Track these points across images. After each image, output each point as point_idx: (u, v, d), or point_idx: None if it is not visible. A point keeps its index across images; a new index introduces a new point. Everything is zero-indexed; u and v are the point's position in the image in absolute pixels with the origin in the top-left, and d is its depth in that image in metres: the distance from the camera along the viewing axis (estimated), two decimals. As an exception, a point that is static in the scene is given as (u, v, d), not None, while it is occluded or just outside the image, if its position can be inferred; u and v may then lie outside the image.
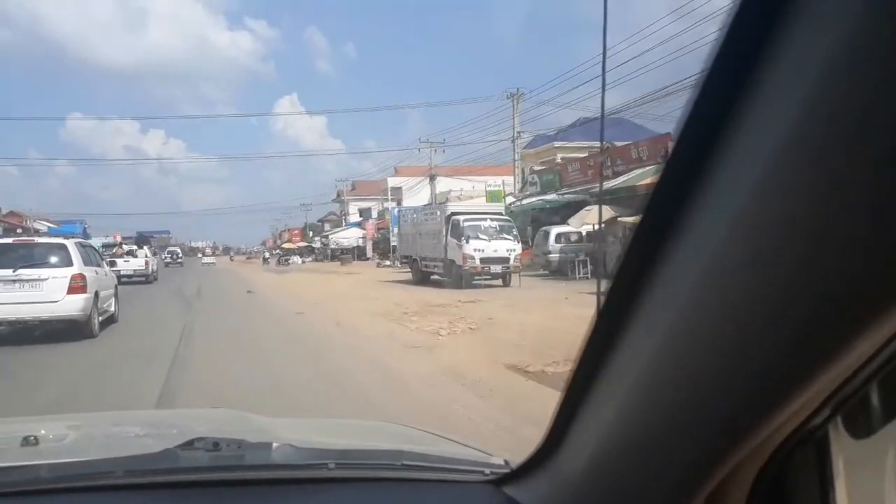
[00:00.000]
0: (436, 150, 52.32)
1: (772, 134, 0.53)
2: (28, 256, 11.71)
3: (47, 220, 72.32)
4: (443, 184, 66.52)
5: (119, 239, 50.29)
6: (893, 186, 0.47)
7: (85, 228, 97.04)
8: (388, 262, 46.82)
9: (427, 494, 1.32)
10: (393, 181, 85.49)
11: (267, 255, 75.02)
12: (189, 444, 1.33)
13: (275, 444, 1.38)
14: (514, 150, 43.66)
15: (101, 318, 12.53)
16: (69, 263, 11.64)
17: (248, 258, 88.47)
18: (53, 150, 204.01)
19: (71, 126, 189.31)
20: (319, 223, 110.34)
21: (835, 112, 0.48)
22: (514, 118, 42.77)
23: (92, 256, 13.25)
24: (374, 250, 66.94)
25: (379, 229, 67.55)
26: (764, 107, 0.54)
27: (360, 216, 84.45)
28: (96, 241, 30.06)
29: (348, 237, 69.85)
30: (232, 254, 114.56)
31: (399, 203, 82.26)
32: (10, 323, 11.47)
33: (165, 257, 63.40)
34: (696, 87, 0.60)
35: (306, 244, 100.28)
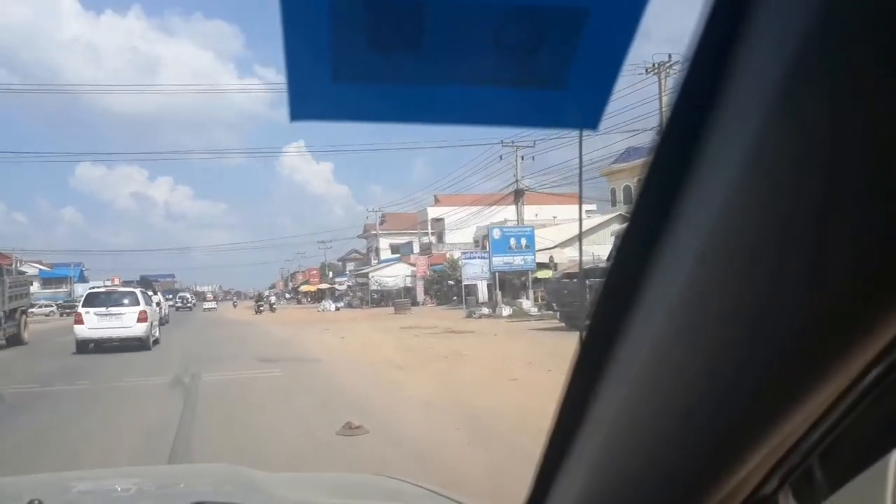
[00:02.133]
0: (522, 158, 38.34)
1: (746, 141, 0.51)
2: (114, 299, 20.08)
3: (39, 263, 70.57)
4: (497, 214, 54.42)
5: (117, 282, 47.03)
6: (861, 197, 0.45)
7: (82, 271, 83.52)
8: (484, 310, 32.45)
9: None
10: (433, 212, 73.19)
11: (272, 299, 61.07)
12: None
13: None
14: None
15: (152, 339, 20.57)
16: (137, 303, 19.85)
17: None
18: (62, 196, 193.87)
19: (80, 173, 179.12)
20: (340, 262, 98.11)
21: (805, 116, 0.47)
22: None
23: (148, 298, 21.85)
24: (426, 292, 52.89)
25: (431, 265, 53.69)
26: (740, 112, 0.52)
27: (392, 252, 71.57)
28: (85, 287, 32.79)
29: (393, 276, 55.71)
30: (235, 299, 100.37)
31: (440, 238, 69.53)
32: (105, 340, 19.16)
33: (176, 302, 64.76)
34: (674, 93, 0.58)
35: (328, 286, 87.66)
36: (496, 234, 36.67)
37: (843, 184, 0.46)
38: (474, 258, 42.61)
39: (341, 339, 22.03)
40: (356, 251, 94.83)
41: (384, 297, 56.60)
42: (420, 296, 52.58)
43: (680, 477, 0.71)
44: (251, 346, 20.16)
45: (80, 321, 19.33)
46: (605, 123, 0.69)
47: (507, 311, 31.75)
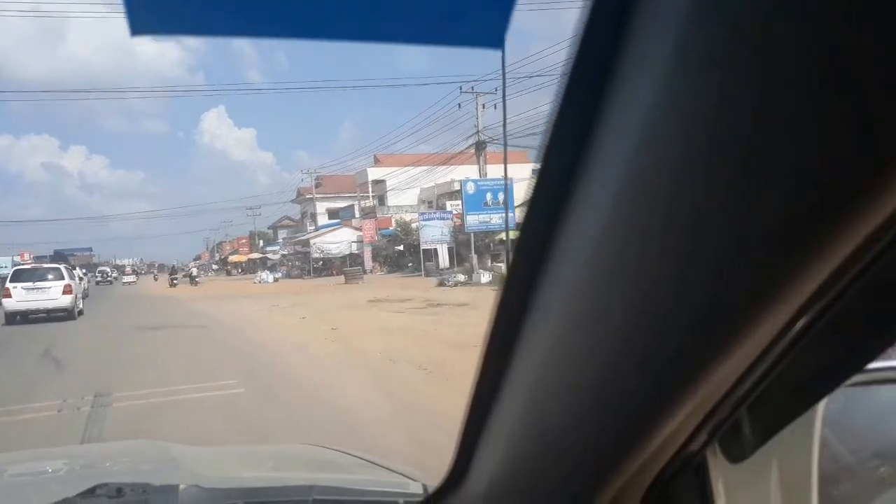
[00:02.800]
0: (483, 106, 33.73)
1: (632, 133, 0.51)
2: (40, 274, 21.59)
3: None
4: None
5: (27, 258, 45.62)
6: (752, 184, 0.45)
7: (-14, 246, 77.25)
8: (459, 277, 27.89)
9: None
10: (374, 173, 68.12)
11: (193, 271, 55.43)
12: (90, 492, 1.32)
13: (181, 487, 1.37)
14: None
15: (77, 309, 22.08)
16: (62, 278, 21.44)
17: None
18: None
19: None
20: (271, 230, 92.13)
21: (689, 109, 0.47)
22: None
23: (72, 273, 23.42)
24: (374, 259, 48.07)
25: (379, 230, 48.87)
26: (625, 105, 0.52)
27: (330, 217, 66.36)
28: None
29: (337, 242, 50.53)
30: (155, 272, 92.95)
31: (381, 201, 64.61)
32: (33, 312, 20.59)
33: (96, 276, 63.39)
34: (559, 87, 0.57)
35: (260, 255, 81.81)
36: (470, 188, 32.35)
37: (722, 181, 0.46)
38: (433, 220, 38.11)
39: (302, 319, 17.38)
40: (288, 218, 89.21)
41: (327, 266, 51.51)
42: (368, 263, 47.75)
43: (601, 440, 0.71)
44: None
45: (8, 295, 20.75)
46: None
47: (486, 277, 27.39)
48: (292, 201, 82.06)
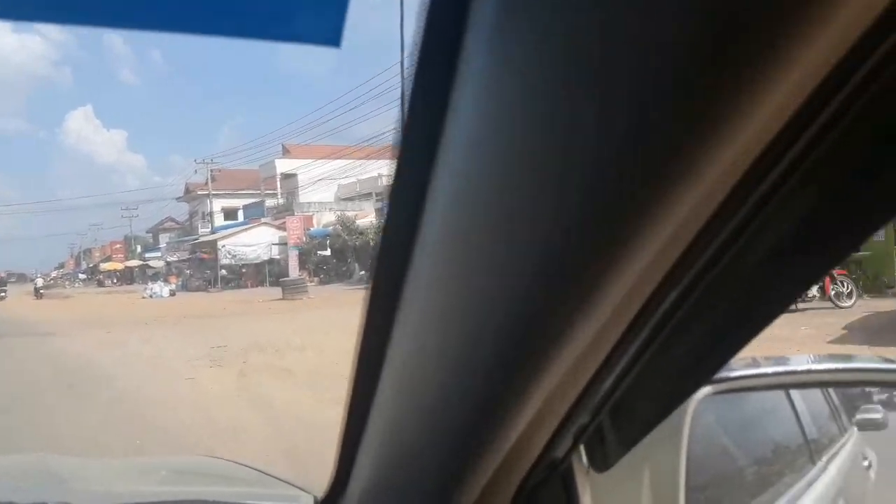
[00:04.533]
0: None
1: (460, 142, 0.52)
2: None
3: None
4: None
5: None
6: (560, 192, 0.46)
7: None
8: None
9: None
10: (283, 165, 57.45)
11: (39, 281, 43.26)
12: None
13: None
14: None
15: None
16: None
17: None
18: None
19: None
20: (150, 234, 79.24)
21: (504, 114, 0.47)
22: None
23: None
24: (302, 266, 37.52)
25: (306, 230, 38.57)
26: (457, 107, 0.51)
27: (226, 218, 55.31)
28: None
29: (253, 244, 39.46)
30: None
31: (289, 198, 54.12)
32: None
33: None
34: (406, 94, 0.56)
35: (140, 263, 68.91)
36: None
37: (533, 186, 0.47)
38: None
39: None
40: (172, 219, 76.63)
41: (235, 275, 40.39)
42: (293, 270, 37.15)
43: (453, 440, 0.72)
44: None
45: None
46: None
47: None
48: (178, 199, 69.62)
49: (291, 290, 25.60)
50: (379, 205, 35.52)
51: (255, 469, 1.88)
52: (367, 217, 35.21)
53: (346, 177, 45.34)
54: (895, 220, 0.47)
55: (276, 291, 31.88)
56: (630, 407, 0.70)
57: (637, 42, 0.39)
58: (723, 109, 0.39)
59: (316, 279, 35.26)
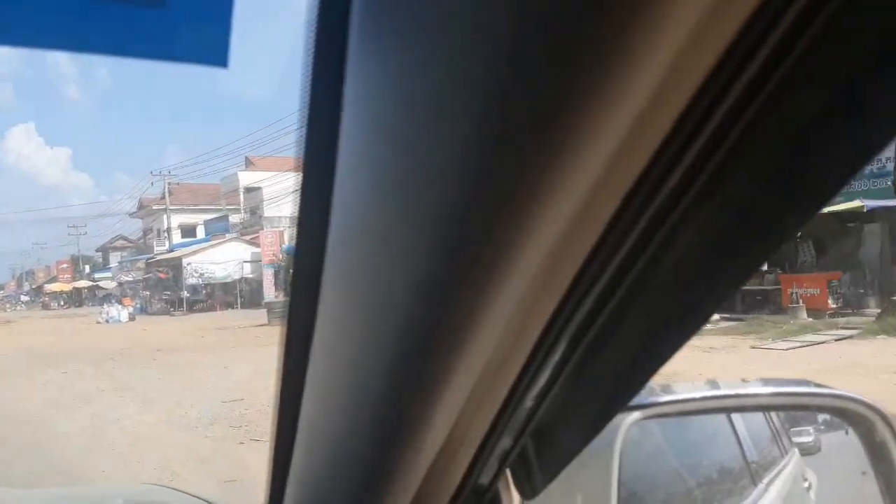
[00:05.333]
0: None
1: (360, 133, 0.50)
2: None
3: None
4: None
5: None
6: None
7: None
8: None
9: None
10: (247, 177, 53.75)
11: None
12: None
13: None
14: None
15: None
16: None
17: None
18: None
19: None
20: (99, 252, 74.59)
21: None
22: None
23: None
24: (279, 287, 33.87)
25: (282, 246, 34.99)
26: (356, 101, 0.50)
27: (183, 235, 51.45)
28: None
29: (222, 262, 35.56)
30: None
31: (252, 213, 50.42)
32: None
33: None
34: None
35: (89, 283, 64.12)
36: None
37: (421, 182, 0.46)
38: None
39: None
40: (123, 238, 71.79)
41: (200, 295, 36.41)
42: (268, 291, 33.41)
43: (367, 477, 0.70)
44: None
45: None
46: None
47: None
48: (132, 215, 65.01)
49: (279, 314, 22.04)
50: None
51: (199, 497, 1.98)
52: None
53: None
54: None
55: (254, 315, 28.14)
56: (551, 431, 0.69)
57: (488, 37, 0.37)
58: (586, 104, 0.37)
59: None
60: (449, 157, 0.43)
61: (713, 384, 1.87)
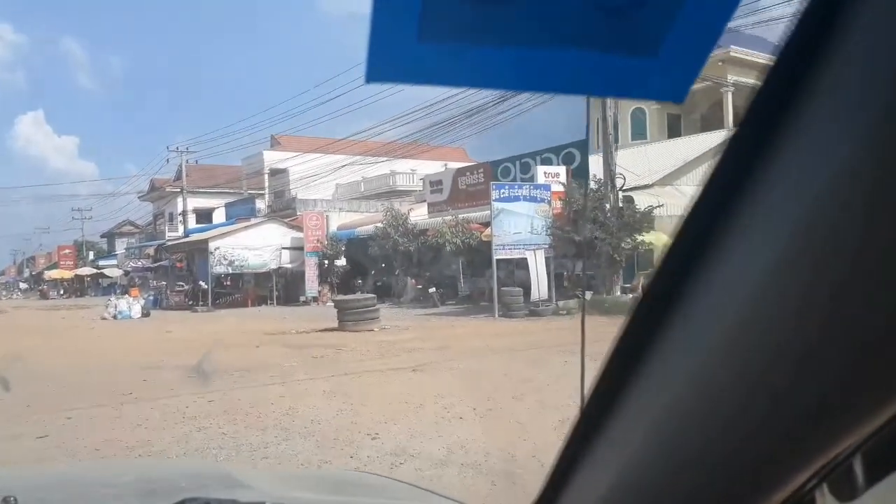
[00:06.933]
0: None
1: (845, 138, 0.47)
2: None
3: None
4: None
5: None
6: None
7: None
8: None
9: None
10: (272, 157, 48.38)
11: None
12: None
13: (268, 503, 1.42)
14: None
15: None
16: None
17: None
18: None
19: None
20: (104, 238, 70.72)
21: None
22: None
23: None
24: (323, 280, 28.11)
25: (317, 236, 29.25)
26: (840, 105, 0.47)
27: (198, 221, 46.12)
28: None
29: (257, 247, 29.58)
30: None
31: (278, 197, 44.77)
32: None
33: None
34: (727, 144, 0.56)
35: (93, 271, 58.70)
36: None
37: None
38: (516, 200, 19.27)
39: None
40: (130, 223, 66.59)
41: (226, 288, 30.59)
42: (310, 283, 27.60)
43: (714, 492, 0.68)
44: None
45: None
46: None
47: None
48: (142, 197, 59.41)
49: (354, 314, 16.12)
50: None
51: (406, 483, 2.09)
52: (419, 215, 26.00)
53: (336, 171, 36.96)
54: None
55: (300, 312, 22.32)
56: (883, 441, 0.65)
57: None
58: None
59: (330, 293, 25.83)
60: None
61: None
